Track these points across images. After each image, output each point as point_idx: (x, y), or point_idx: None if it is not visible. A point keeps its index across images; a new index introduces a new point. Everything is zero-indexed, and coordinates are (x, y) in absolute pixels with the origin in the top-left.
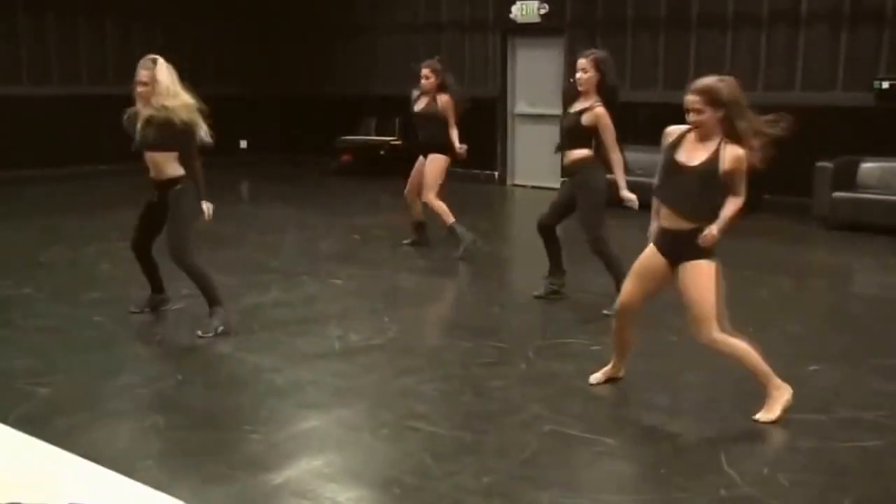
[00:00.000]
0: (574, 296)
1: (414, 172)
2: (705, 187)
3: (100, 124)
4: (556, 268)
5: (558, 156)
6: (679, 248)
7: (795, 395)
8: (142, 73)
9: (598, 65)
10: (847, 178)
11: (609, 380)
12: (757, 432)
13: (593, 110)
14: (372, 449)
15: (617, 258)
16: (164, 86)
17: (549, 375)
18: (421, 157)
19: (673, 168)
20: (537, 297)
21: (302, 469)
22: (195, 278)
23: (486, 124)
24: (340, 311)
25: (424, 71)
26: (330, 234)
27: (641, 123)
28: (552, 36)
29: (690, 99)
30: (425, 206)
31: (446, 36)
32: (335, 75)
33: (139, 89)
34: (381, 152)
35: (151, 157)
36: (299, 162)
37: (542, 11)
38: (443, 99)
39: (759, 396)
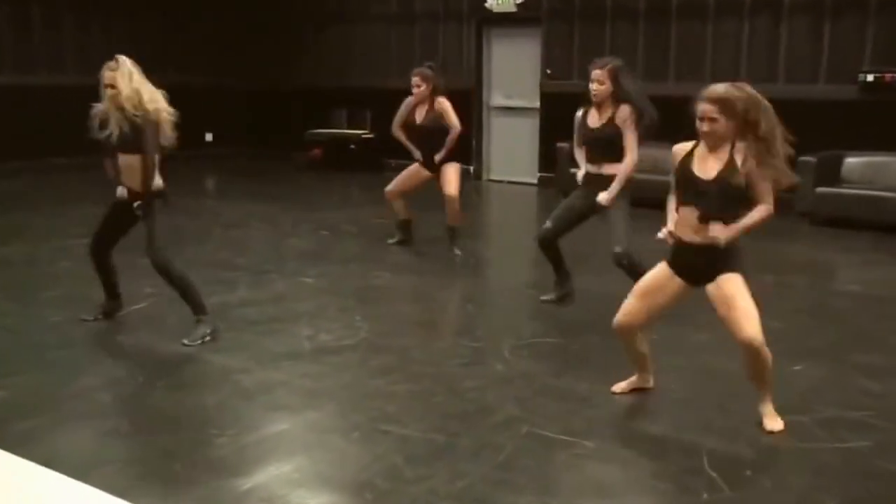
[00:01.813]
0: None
1: (402, 177)
2: (726, 198)
3: (58, 115)
4: (563, 275)
5: (534, 150)
6: (704, 266)
7: (778, 395)
8: (106, 75)
9: (613, 75)
10: (831, 173)
11: (635, 390)
12: (738, 434)
13: (620, 111)
14: (343, 452)
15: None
16: (131, 90)
17: (526, 375)
18: (416, 167)
19: (692, 182)
20: (546, 302)
21: (270, 474)
22: (175, 285)
23: (460, 118)
24: (310, 309)
25: (414, 80)
26: (299, 230)
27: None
28: (529, 26)
29: (705, 108)
30: (396, 204)
31: (420, 26)
32: (305, 66)
33: (106, 91)
34: (352, 146)
35: (124, 160)
36: (267, 156)
37: (518, 1)
38: (441, 103)
39: (741, 397)
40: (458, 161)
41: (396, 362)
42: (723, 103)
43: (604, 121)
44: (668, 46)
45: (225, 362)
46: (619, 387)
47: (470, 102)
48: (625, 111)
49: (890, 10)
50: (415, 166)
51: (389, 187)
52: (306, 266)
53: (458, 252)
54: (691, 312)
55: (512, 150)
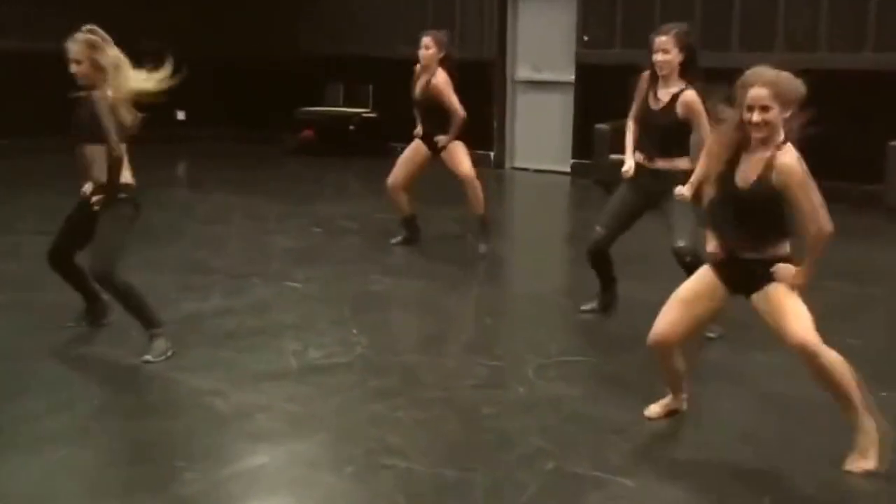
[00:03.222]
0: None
1: (401, 161)
2: (765, 212)
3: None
4: (609, 282)
5: (567, 132)
6: (751, 278)
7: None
8: (72, 49)
9: (682, 42)
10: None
11: (669, 413)
12: (808, 473)
13: (684, 95)
14: (334, 491)
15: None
16: (111, 66)
17: (553, 400)
18: (416, 144)
19: (728, 190)
20: (586, 312)
21: None
22: (120, 300)
23: (478, 94)
24: (298, 320)
25: (425, 40)
26: (286, 226)
27: None
28: None
29: (759, 94)
30: (397, 197)
31: None
32: (295, 32)
33: (72, 68)
34: (351, 127)
35: (89, 150)
36: (250, 138)
37: None
38: (438, 80)
39: (813, 429)
40: (460, 139)
41: (399, 384)
42: (775, 87)
43: (664, 102)
44: (732, 9)
45: (196, 382)
46: (653, 411)
47: (491, 76)
48: (689, 97)
49: None
50: (413, 145)
51: (391, 179)
52: (294, 269)
53: (483, 249)
54: (749, 328)
55: (541, 132)
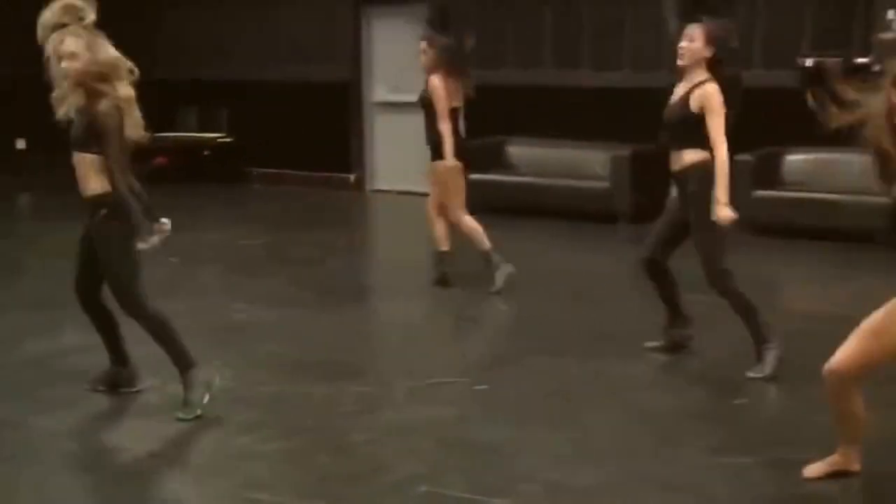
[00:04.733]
0: (456, 323)
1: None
2: None
3: None
4: (676, 312)
5: (428, 154)
6: None
7: (719, 433)
8: (68, 43)
9: (711, 36)
10: (770, 174)
11: (836, 474)
12: (675, 482)
13: (703, 87)
14: None
15: (749, 298)
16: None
17: (425, 424)
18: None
19: None
20: (655, 349)
21: None
22: (153, 334)
23: (335, 116)
24: (157, 355)
25: (423, 44)
26: (140, 256)
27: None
28: (417, 5)
29: None
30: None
31: (283, 7)
32: (143, 54)
33: (66, 64)
34: (206, 153)
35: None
36: None
37: None
38: (430, 82)
39: (679, 442)
40: (447, 158)
41: (266, 415)
42: None
43: (681, 94)
44: (580, 30)
45: (48, 425)
46: (813, 470)
47: (347, 98)
48: (706, 89)
49: None
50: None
51: (429, 202)
52: (151, 300)
53: (496, 287)
54: (611, 339)
55: (401, 154)
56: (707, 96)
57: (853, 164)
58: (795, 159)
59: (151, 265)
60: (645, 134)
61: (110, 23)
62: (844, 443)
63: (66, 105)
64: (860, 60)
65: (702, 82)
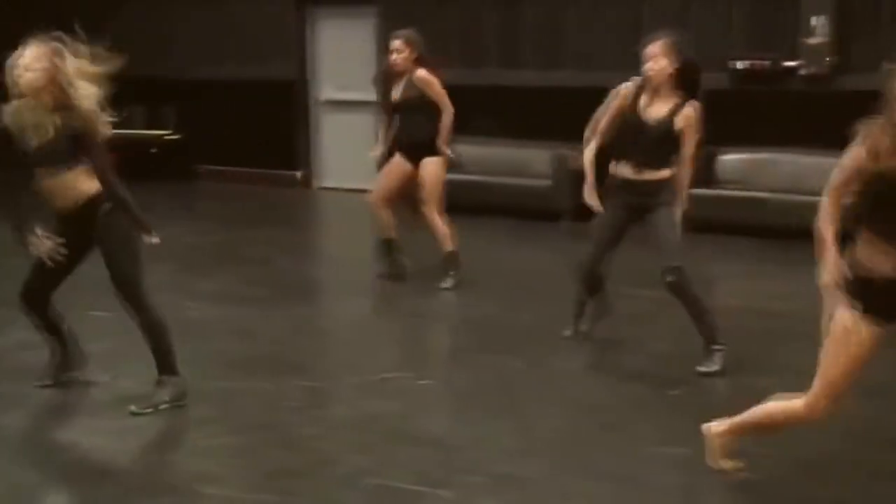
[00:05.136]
0: (402, 320)
1: (386, 175)
2: None
3: None
4: (584, 308)
5: (375, 151)
6: None
7: (658, 424)
8: (53, 61)
9: (672, 51)
10: (704, 172)
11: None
12: (617, 472)
13: (686, 109)
14: None
15: (701, 297)
16: (69, 74)
17: (371, 419)
18: (399, 158)
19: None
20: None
21: None
22: (149, 328)
23: (282, 114)
24: (107, 351)
25: (396, 43)
26: (89, 254)
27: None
28: (361, 4)
29: None
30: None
31: (230, 6)
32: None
33: (30, 76)
34: (153, 150)
35: (56, 176)
36: None
37: None
38: (421, 76)
39: (622, 433)
40: (438, 153)
41: (216, 411)
42: None
43: (663, 113)
44: (524, 30)
45: None
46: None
47: (293, 96)
48: (692, 112)
49: None
50: (395, 160)
51: (374, 194)
52: (101, 298)
53: (447, 283)
54: (546, 340)
55: (347, 151)
56: (691, 118)
57: (784, 163)
58: (728, 158)
59: (102, 263)
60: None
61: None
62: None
63: (44, 128)
64: (788, 64)
65: (681, 103)
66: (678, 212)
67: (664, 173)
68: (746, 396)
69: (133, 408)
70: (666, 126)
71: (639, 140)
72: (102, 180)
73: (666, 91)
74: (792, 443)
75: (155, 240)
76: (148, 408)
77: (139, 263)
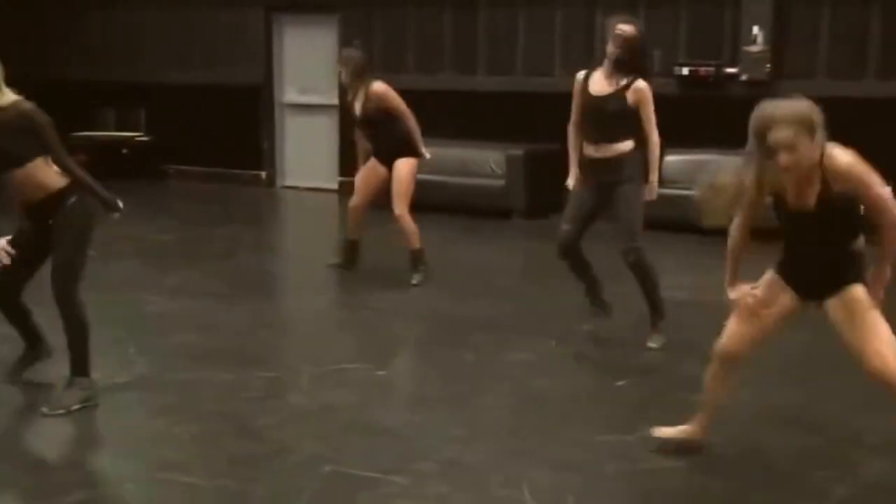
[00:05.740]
0: (359, 314)
1: (364, 181)
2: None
3: None
4: (595, 286)
5: (333, 152)
6: (827, 279)
7: (603, 413)
8: None
9: (642, 40)
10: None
11: (686, 447)
12: (561, 459)
13: (637, 83)
14: None
15: (656, 275)
16: None
17: (328, 408)
18: (373, 162)
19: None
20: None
21: None
22: (70, 323)
23: (247, 116)
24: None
25: (338, 65)
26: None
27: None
28: (324, 13)
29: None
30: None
31: (199, 12)
32: (59, 55)
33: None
34: (124, 151)
35: (17, 175)
36: None
37: None
38: (376, 89)
39: (570, 422)
40: (414, 156)
41: (178, 400)
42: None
43: (612, 89)
44: (479, 37)
45: None
46: (665, 432)
47: (259, 99)
48: (643, 86)
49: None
50: (370, 164)
51: (354, 200)
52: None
53: (415, 280)
54: (502, 328)
55: (309, 152)
56: (643, 91)
57: (726, 164)
58: (672, 160)
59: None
60: (537, 134)
61: (29, 24)
62: (701, 417)
63: None
64: (729, 70)
65: (633, 79)
66: (647, 188)
67: (620, 147)
68: (688, 384)
69: (45, 409)
70: (616, 100)
71: (594, 117)
72: (59, 164)
73: (619, 71)
74: (732, 427)
75: (118, 215)
76: (59, 409)
77: (83, 257)
